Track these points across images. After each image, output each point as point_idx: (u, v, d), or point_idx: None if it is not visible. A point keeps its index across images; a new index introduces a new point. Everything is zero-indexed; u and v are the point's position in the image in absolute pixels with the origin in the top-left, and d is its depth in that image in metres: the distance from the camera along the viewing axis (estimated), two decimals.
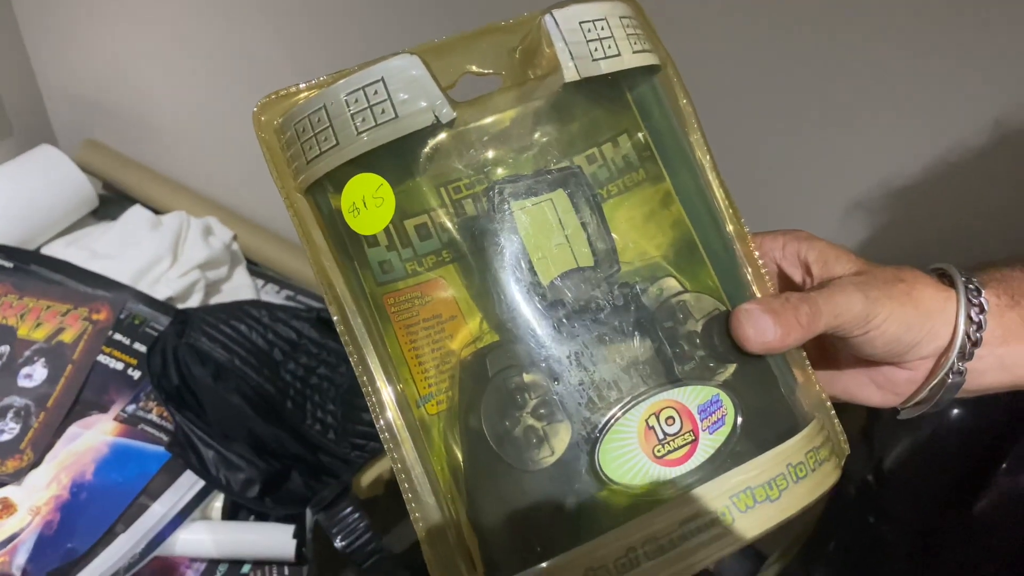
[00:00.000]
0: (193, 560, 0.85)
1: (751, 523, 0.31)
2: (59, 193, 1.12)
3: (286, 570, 0.84)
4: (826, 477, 0.33)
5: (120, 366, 0.96)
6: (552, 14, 0.32)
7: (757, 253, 0.37)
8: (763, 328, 0.32)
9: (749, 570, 0.84)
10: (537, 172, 0.32)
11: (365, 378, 0.32)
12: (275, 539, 0.83)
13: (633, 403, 0.30)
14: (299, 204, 0.33)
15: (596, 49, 0.32)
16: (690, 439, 0.31)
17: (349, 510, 0.64)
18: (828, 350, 0.39)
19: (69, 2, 1.16)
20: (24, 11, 1.20)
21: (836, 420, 0.37)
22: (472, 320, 0.33)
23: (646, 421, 0.31)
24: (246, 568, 0.85)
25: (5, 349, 0.96)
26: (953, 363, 0.36)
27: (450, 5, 0.86)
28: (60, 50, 1.22)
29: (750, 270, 0.36)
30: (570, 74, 0.32)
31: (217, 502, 0.87)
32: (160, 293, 1.02)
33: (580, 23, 0.32)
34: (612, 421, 0.30)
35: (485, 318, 0.32)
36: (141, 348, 0.97)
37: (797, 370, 0.36)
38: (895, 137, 0.71)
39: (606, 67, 0.32)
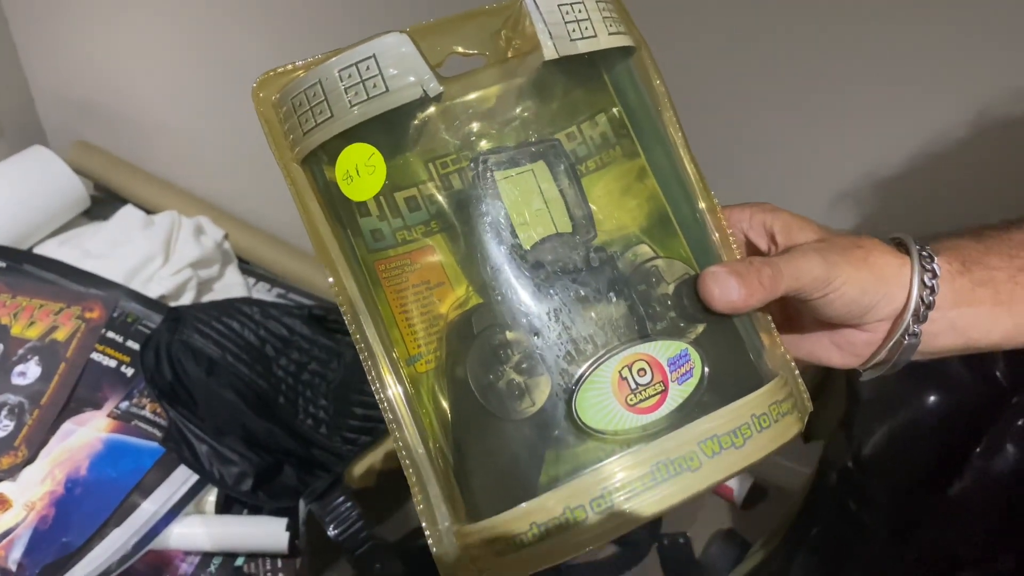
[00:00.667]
0: (187, 553, 0.86)
1: (717, 468, 0.33)
2: (51, 193, 1.13)
3: (279, 562, 0.85)
4: (788, 428, 0.36)
5: (113, 364, 0.97)
6: None
7: (726, 223, 0.39)
8: (728, 288, 0.34)
9: (734, 557, 0.86)
10: (519, 144, 0.34)
11: (359, 336, 0.34)
12: (268, 532, 0.84)
13: (608, 356, 0.33)
14: (296, 174, 0.35)
15: (574, 30, 0.34)
16: (660, 389, 0.33)
17: (341, 499, 0.65)
18: (792, 314, 0.41)
19: (59, 5, 1.17)
20: (14, 13, 1.21)
21: (800, 380, 0.39)
22: (459, 286, 0.35)
23: (619, 372, 0.33)
24: (240, 561, 0.86)
25: None
26: (908, 325, 0.38)
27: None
28: (50, 52, 1.23)
29: (719, 239, 0.38)
30: (549, 52, 0.33)
31: (211, 496, 0.88)
32: (152, 291, 1.04)
33: (559, 5, 0.34)
34: (588, 372, 0.32)
35: (470, 283, 0.34)
36: (134, 346, 0.98)
37: (763, 334, 0.38)
38: (876, 125, 0.73)
39: (583, 47, 0.34)
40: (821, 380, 0.76)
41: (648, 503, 0.32)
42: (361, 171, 0.33)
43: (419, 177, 0.34)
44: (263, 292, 1.12)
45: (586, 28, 0.34)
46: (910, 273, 0.38)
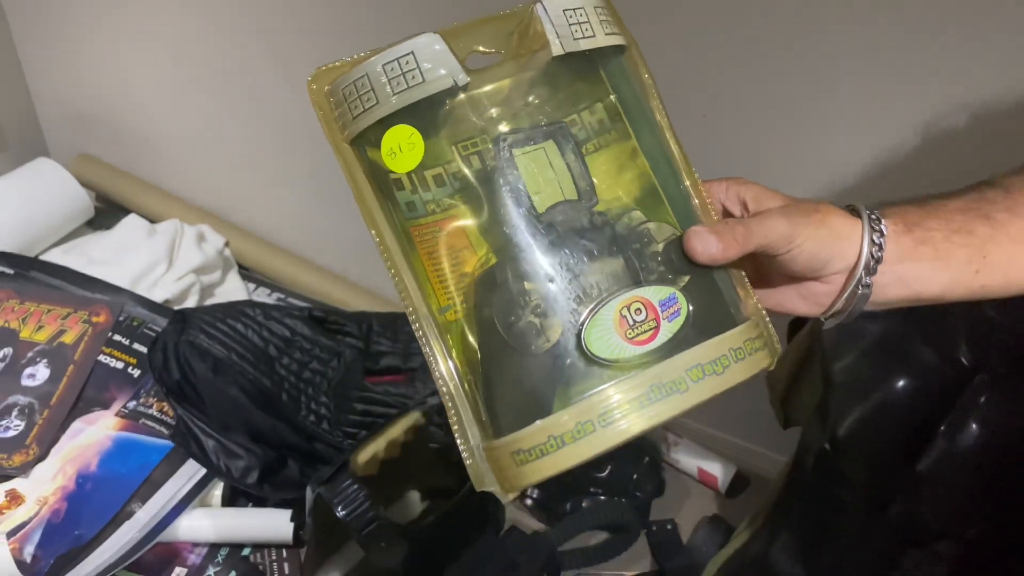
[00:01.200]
0: (195, 545, 0.89)
1: (701, 390, 0.39)
2: (57, 204, 1.17)
3: (284, 552, 0.89)
4: (760, 361, 0.42)
5: (120, 365, 1.01)
6: (542, 3, 0.41)
7: (705, 194, 0.45)
8: (708, 243, 0.41)
9: (719, 541, 0.90)
10: (532, 126, 0.41)
11: (400, 285, 0.41)
12: (273, 523, 0.88)
13: (610, 297, 0.39)
14: (346, 153, 0.41)
15: (576, 31, 0.41)
16: (653, 325, 0.39)
17: (348, 482, 0.69)
18: (762, 271, 0.47)
19: (63, 19, 1.21)
20: (19, 28, 1.25)
21: (771, 325, 0.45)
22: (480, 248, 0.41)
23: (620, 312, 0.39)
24: (246, 551, 0.89)
25: (8, 351, 1.00)
26: (861, 277, 0.44)
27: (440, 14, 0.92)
28: (54, 66, 1.27)
29: (699, 205, 0.45)
30: (556, 49, 0.40)
31: (217, 490, 0.91)
32: (157, 296, 1.07)
33: (564, 10, 0.40)
34: (595, 310, 0.38)
35: (491, 244, 0.40)
36: (140, 348, 1.01)
37: (739, 287, 0.45)
38: (859, 119, 0.77)
39: (584, 45, 0.41)
40: (798, 371, 0.80)
41: (645, 417, 0.38)
42: (403, 148, 0.39)
43: (445, 157, 0.40)
44: (263, 296, 1.16)
45: (586, 29, 0.41)
46: (861, 232, 0.44)
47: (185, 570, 0.88)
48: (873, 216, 0.44)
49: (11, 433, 0.94)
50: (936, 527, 0.68)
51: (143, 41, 1.17)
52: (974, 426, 0.66)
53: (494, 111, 0.40)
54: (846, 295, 0.45)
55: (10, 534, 0.85)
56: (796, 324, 0.80)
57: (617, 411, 0.37)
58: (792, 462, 0.80)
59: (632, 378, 0.38)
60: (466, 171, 0.40)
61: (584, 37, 0.40)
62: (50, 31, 1.22)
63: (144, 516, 0.88)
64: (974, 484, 0.66)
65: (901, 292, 0.45)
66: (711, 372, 0.39)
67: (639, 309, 0.39)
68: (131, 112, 1.26)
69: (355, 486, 0.68)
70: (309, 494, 0.76)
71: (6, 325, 1.02)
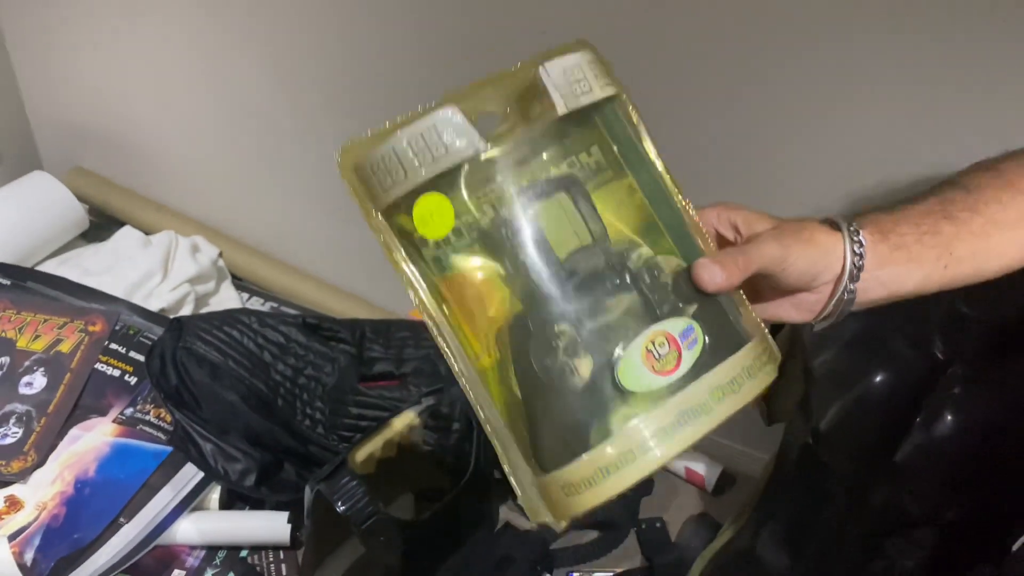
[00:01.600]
0: (193, 547, 0.91)
1: (724, 409, 0.42)
2: (51, 216, 1.18)
3: (282, 554, 0.91)
4: (769, 374, 0.46)
5: (117, 373, 1.02)
6: (544, 67, 0.44)
7: (698, 219, 0.49)
8: (714, 273, 0.44)
9: (707, 537, 0.93)
10: (546, 179, 0.45)
11: (442, 342, 0.44)
12: (271, 525, 0.90)
13: (637, 334, 0.42)
14: (378, 222, 0.44)
15: (576, 88, 0.44)
16: (676, 355, 0.42)
17: (347, 478, 0.71)
18: (758, 288, 0.51)
19: (57, 32, 1.23)
20: (13, 41, 1.26)
21: (769, 336, 0.49)
22: (503, 294, 0.44)
23: (646, 347, 0.42)
24: (244, 553, 0.91)
25: (5, 360, 1.02)
26: (846, 285, 0.48)
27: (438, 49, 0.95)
28: (48, 80, 1.28)
29: (693, 230, 0.48)
30: (561, 109, 0.44)
31: (214, 494, 0.93)
32: (152, 306, 1.09)
33: (564, 71, 0.44)
34: (625, 347, 0.42)
35: (516, 290, 0.44)
36: (137, 356, 1.03)
37: (740, 306, 0.48)
38: (868, 140, 0.80)
39: (585, 101, 0.44)
40: (780, 368, 0.83)
41: (677, 442, 0.41)
42: (434, 215, 0.42)
43: (467, 212, 0.43)
44: (257, 306, 1.18)
45: (585, 86, 0.44)
46: (843, 246, 0.48)
47: (184, 572, 0.89)
48: (852, 228, 0.48)
49: (8, 440, 0.95)
50: (916, 514, 0.70)
51: (138, 55, 1.19)
52: (949, 416, 0.69)
53: (509, 168, 0.43)
54: (834, 301, 0.49)
55: (10, 538, 0.87)
56: (777, 324, 0.83)
57: (652, 439, 0.41)
58: (776, 457, 0.83)
59: (662, 406, 0.41)
60: (487, 226, 0.43)
61: (584, 93, 0.44)
62: (45, 44, 1.24)
63: (142, 520, 0.89)
64: (951, 472, 0.68)
65: (881, 292, 0.49)
66: (730, 392, 0.43)
67: (663, 343, 0.42)
68: (125, 125, 1.27)
69: (354, 482, 0.70)
70: (307, 494, 0.78)
71: (3, 335, 1.04)
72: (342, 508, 0.70)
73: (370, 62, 1.02)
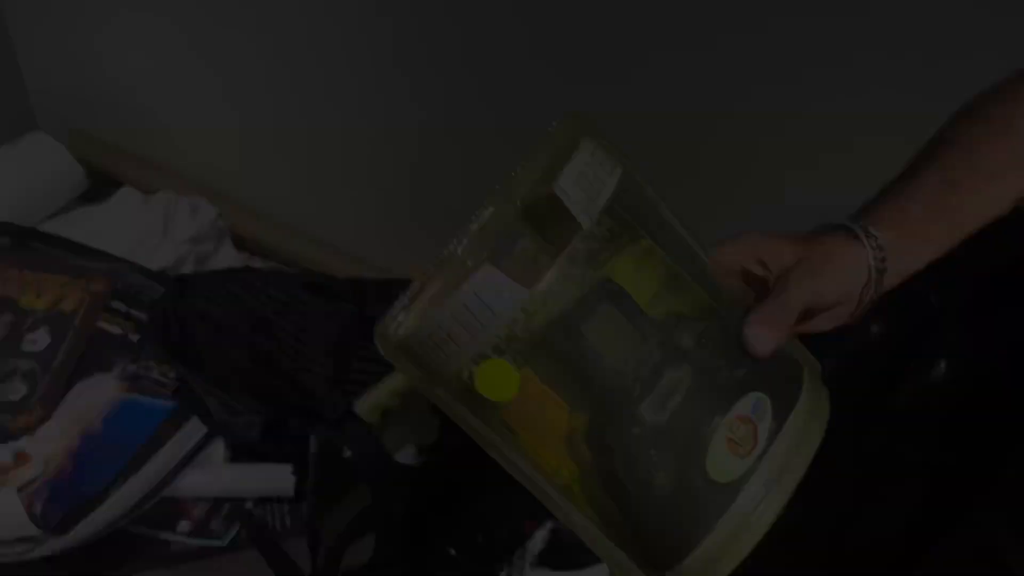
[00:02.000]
0: (199, 499, 0.92)
1: (804, 459, 0.44)
2: (50, 177, 1.18)
3: (286, 505, 0.92)
4: (825, 403, 0.48)
5: (119, 331, 1.03)
6: (560, 187, 0.41)
7: (714, 266, 0.49)
8: (766, 341, 0.45)
9: None
10: (587, 295, 0.43)
11: (528, 481, 0.44)
12: (275, 476, 0.91)
13: (715, 428, 0.43)
14: (438, 394, 0.43)
15: (591, 192, 0.42)
16: (752, 431, 0.43)
17: (355, 425, 0.72)
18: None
19: None
20: (9, 3, 1.26)
21: (807, 351, 0.51)
22: (562, 412, 0.44)
23: (726, 436, 0.43)
24: (249, 505, 0.92)
25: (9, 318, 1.02)
26: (873, 289, 0.50)
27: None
28: (45, 40, 1.28)
29: (716, 275, 0.49)
30: (586, 224, 0.41)
31: (219, 447, 0.94)
32: (153, 265, 1.09)
33: (575, 179, 0.42)
34: (706, 442, 0.42)
35: (582, 406, 0.43)
36: (139, 314, 1.04)
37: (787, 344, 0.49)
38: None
39: (602, 201, 0.43)
40: None
41: (773, 509, 0.42)
42: (498, 379, 0.41)
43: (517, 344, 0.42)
44: (257, 265, 1.18)
45: (599, 187, 0.43)
46: (867, 260, 0.50)
47: (190, 523, 0.91)
48: (871, 234, 0.50)
49: (14, 396, 0.96)
50: (914, 458, 0.72)
51: (135, 15, 1.19)
52: (943, 363, 0.70)
53: (551, 296, 0.41)
54: (864, 303, 0.51)
55: (19, 491, 0.88)
56: None
57: (752, 517, 0.42)
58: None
59: (753, 483, 0.42)
60: (540, 353, 0.42)
61: (599, 194, 0.42)
62: (41, 5, 1.23)
63: (148, 472, 0.90)
64: (947, 416, 0.70)
65: (899, 277, 0.51)
66: (804, 442, 0.44)
67: (738, 426, 0.43)
68: (124, 86, 1.27)
69: (362, 428, 0.71)
70: (312, 444, 0.79)
71: (5, 293, 1.04)
72: (350, 453, 0.71)
73: (369, 20, 1.02)
